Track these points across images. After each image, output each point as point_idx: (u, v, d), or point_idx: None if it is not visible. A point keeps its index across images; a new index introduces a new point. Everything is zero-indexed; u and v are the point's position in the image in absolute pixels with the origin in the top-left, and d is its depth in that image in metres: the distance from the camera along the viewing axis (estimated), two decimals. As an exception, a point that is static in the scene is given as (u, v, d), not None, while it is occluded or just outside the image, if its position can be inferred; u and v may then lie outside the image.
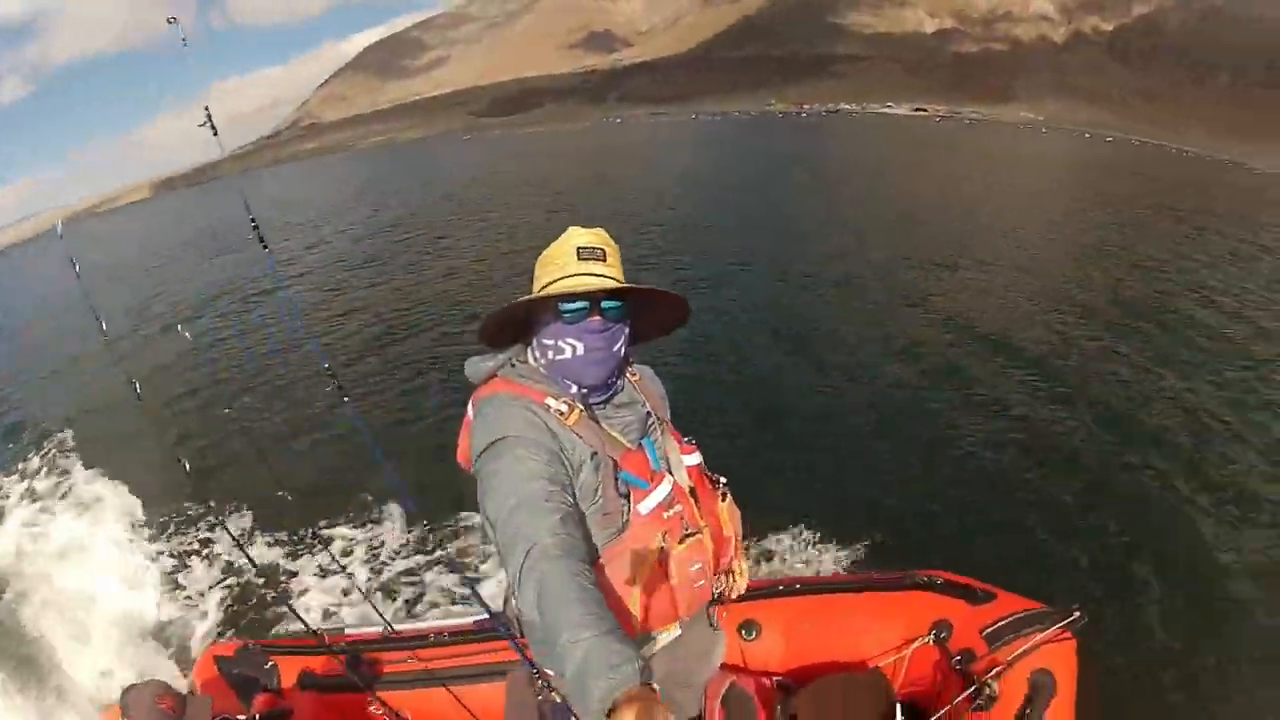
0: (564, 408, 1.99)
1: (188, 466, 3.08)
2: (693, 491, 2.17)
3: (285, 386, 11.78)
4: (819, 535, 6.30)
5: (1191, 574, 6.25)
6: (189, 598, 6.46)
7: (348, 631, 4.09)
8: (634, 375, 2.30)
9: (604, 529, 1.97)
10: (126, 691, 2.78)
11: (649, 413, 2.21)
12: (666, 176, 38.18)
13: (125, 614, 6.34)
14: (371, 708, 3.50)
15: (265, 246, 2.83)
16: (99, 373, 12.69)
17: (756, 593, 3.43)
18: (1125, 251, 18.31)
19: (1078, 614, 2.89)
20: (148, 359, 14.19)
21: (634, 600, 1.96)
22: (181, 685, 3.69)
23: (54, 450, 10.30)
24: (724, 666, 2.83)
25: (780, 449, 8.18)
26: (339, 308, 16.33)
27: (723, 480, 2.32)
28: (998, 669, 2.88)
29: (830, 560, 6.03)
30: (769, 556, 6.13)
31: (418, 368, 11.51)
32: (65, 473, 9.55)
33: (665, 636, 2.16)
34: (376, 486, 7.51)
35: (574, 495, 1.90)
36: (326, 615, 6.01)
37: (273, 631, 5.02)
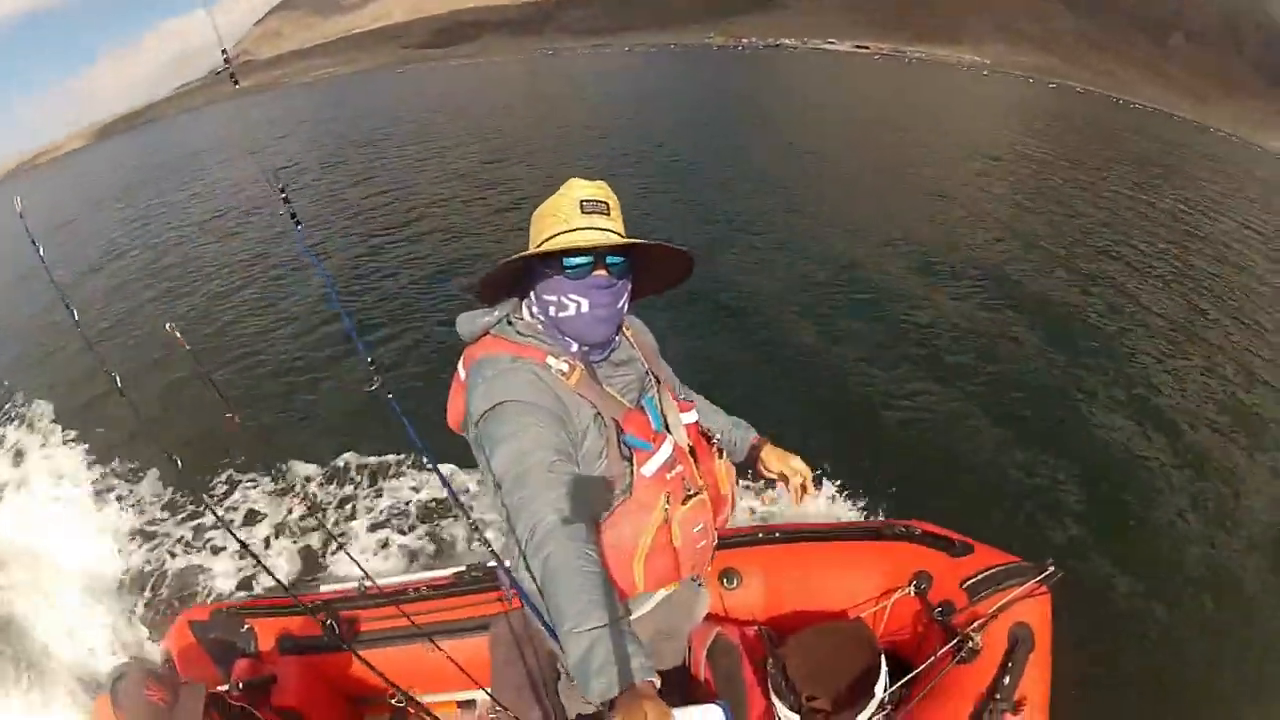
0: (565, 367, 1.93)
1: (138, 413, 2.77)
2: (691, 451, 2.14)
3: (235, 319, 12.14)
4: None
5: (1164, 530, 6.42)
6: (157, 560, 6.30)
7: (323, 590, 4.06)
8: (627, 329, 2.23)
9: (608, 491, 1.94)
10: (115, 680, 2.60)
11: (647, 370, 2.17)
12: (602, 112, 37.86)
13: (92, 576, 6.24)
14: (354, 666, 3.44)
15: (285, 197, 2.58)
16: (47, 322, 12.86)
17: (736, 539, 3.59)
18: (1076, 199, 18.59)
19: (1052, 569, 2.92)
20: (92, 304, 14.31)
21: (638, 563, 1.95)
22: (153, 651, 3.65)
23: (20, 416, 10.07)
24: (708, 617, 2.97)
25: (753, 396, 8.09)
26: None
27: (717, 437, 2.32)
28: (979, 622, 2.90)
29: (810, 506, 5.86)
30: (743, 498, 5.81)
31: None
32: (32, 438, 9.36)
33: (661, 594, 2.18)
34: (338, 432, 7.53)
35: (578, 461, 1.85)
36: (302, 574, 5.93)
37: (246, 594, 4.88)
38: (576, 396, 1.92)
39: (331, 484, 7.08)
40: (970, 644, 2.85)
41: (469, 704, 3.73)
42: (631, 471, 1.97)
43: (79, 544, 6.73)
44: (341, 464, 7.20)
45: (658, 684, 1.31)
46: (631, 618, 2.03)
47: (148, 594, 6.03)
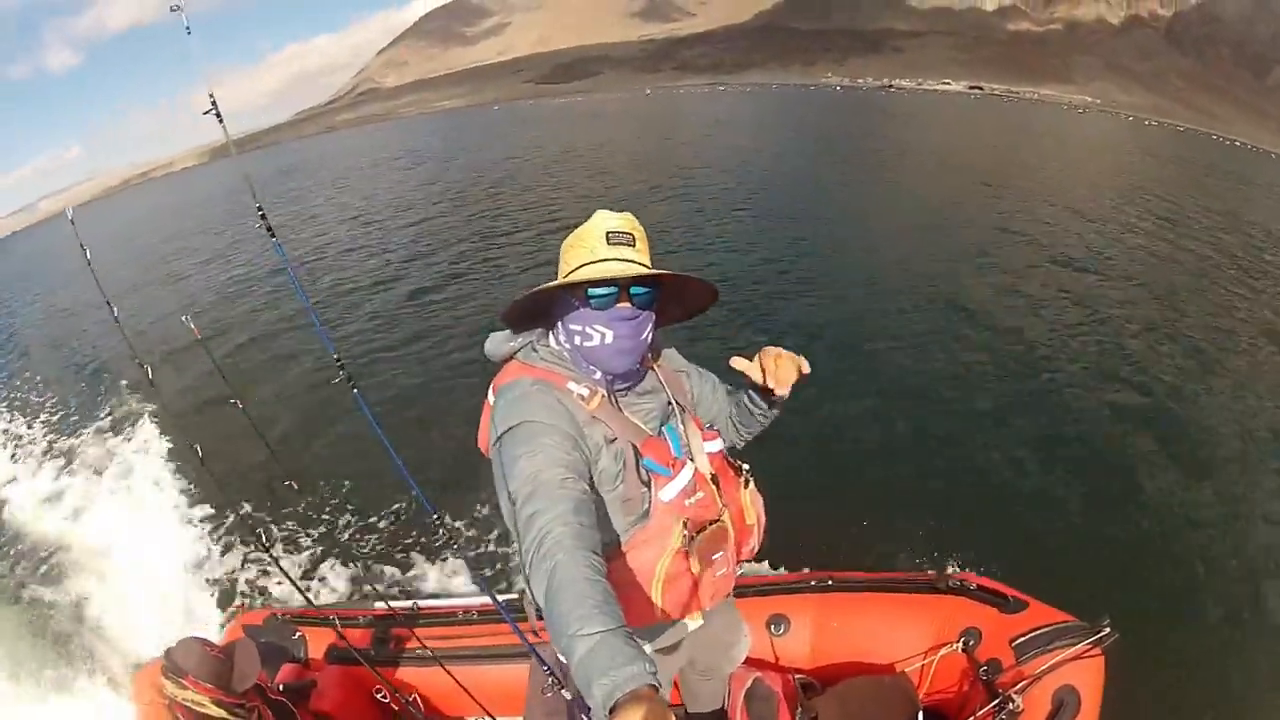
0: (585, 392, 1.94)
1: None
2: (714, 479, 2.08)
3: (295, 371, 11.81)
4: (852, 526, 6.19)
5: (1230, 596, 5.97)
6: (221, 566, 6.54)
7: (376, 606, 4.12)
8: (656, 361, 2.23)
9: (626, 516, 1.92)
10: (170, 652, 2.70)
11: (670, 400, 2.14)
12: (712, 150, 36.91)
13: (154, 577, 6.47)
14: (395, 682, 3.54)
15: (272, 235, 2.78)
16: (112, 343, 12.84)
17: (787, 586, 3.55)
18: (1183, 249, 17.16)
19: (1107, 629, 2.75)
20: (156, 341, 13.76)
21: (656, 589, 1.91)
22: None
23: (104, 410, 10.70)
24: (750, 661, 2.92)
25: (816, 439, 7.87)
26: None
27: (745, 467, 2.21)
28: (1023, 683, 2.79)
29: (860, 551, 5.81)
30: (795, 542, 5.57)
31: (434, 353, 11.33)
32: (108, 439, 9.77)
33: (690, 624, 2.13)
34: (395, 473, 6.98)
35: (592, 482, 1.84)
36: (354, 590, 6.10)
37: (302, 604, 4.69)
38: (594, 421, 1.93)
39: (396, 509, 7.13)
40: (1011, 705, 2.76)
41: None
42: (650, 496, 1.96)
43: (149, 544, 6.97)
44: (413, 496, 7.33)
45: (659, 687, 1.27)
46: (660, 648, 2.14)
47: (211, 595, 6.23)
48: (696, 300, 2.12)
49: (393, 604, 4.02)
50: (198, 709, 2.59)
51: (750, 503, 2.17)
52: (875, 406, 8.61)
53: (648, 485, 1.94)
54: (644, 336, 1.96)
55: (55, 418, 11.35)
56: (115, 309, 3.13)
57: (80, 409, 11.40)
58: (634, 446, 1.96)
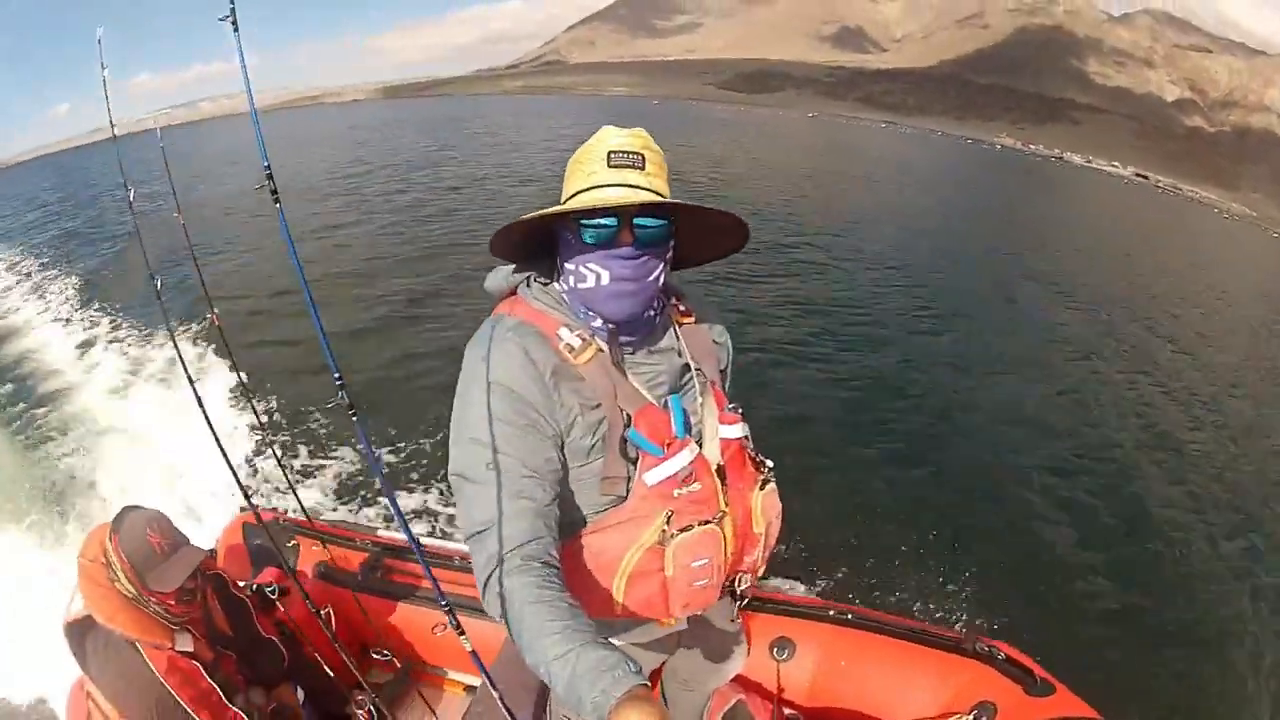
0: (577, 343, 1.67)
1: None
2: (721, 470, 1.78)
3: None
4: (885, 564, 6.09)
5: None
6: (250, 466, 6.70)
7: (380, 533, 4.10)
8: (686, 318, 1.90)
9: (601, 495, 1.68)
10: (124, 511, 2.59)
11: (687, 364, 1.81)
12: (878, 191, 36.88)
13: (179, 466, 6.61)
14: (376, 613, 3.48)
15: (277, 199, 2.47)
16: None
17: (801, 609, 3.30)
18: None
19: None
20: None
21: (619, 584, 1.69)
22: (206, 541, 3.54)
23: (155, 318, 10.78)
24: (742, 679, 2.83)
25: (871, 469, 7.90)
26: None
27: (769, 464, 1.92)
28: None
29: (885, 590, 5.77)
30: (819, 566, 5.86)
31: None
32: (151, 340, 10.56)
33: (659, 630, 1.91)
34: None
35: (560, 461, 1.64)
36: (367, 514, 6.29)
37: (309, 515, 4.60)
38: (576, 379, 1.65)
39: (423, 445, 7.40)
40: None
41: (474, 690, 3.55)
42: (631, 477, 1.69)
43: (177, 435, 7.01)
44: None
45: (650, 686, 1.21)
46: (634, 643, 1.92)
47: (221, 494, 6.20)
48: (723, 238, 1.83)
49: (398, 535, 3.95)
50: (113, 580, 2.49)
51: (762, 508, 1.88)
52: (946, 459, 8.48)
53: (633, 463, 1.68)
54: (651, 278, 1.66)
55: (116, 311, 12.20)
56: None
57: (142, 311, 11.88)
58: (626, 416, 1.68)
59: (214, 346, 9.26)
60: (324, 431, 7.65)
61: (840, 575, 5.83)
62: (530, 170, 29.55)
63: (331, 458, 7.15)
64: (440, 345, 10.21)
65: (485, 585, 1.49)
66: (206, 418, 2.97)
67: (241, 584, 3.16)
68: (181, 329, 9.91)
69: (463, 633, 1.50)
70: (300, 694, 3.11)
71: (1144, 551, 7.33)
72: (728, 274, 14.39)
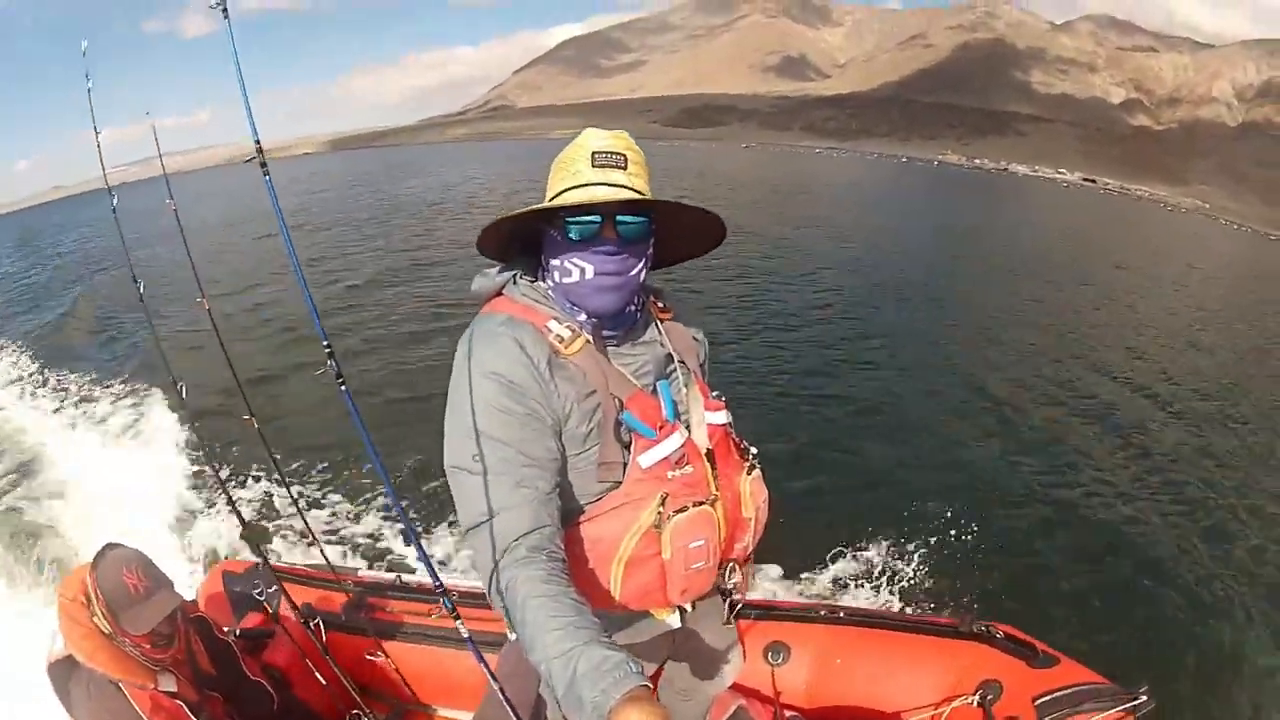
0: (566, 334, 1.68)
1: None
2: (710, 455, 1.83)
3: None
4: (877, 560, 6.12)
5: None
6: (219, 517, 6.55)
7: (361, 574, 4.12)
8: (665, 314, 1.96)
9: (597, 481, 1.68)
10: (105, 549, 2.59)
11: (670, 355, 1.87)
12: (811, 214, 35.78)
13: (152, 516, 6.59)
14: (363, 653, 3.46)
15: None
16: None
17: (792, 612, 3.31)
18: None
19: (1144, 697, 2.49)
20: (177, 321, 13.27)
21: (616, 570, 1.68)
22: (188, 593, 3.49)
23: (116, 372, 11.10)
24: (739, 687, 2.84)
25: (862, 471, 7.98)
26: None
27: (753, 451, 1.97)
28: None
29: (880, 586, 5.74)
30: (804, 572, 5.86)
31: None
32: (124, 396, 10.21)
33: (657, 624, 1.85)
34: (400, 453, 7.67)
35: (559, 450, 1.62)
36: (347, 554, 6.22)
37: (289, 562, 4.68)
38: (569, 369, 1.65)
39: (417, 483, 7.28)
40: None
41: None
42: (625, 462, 1.67)
43: (144, 486, 7.10)
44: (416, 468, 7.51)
45: (651, 688, 1.19)
46: (630, 643, 1.81)
47: (197, 545, 6.29)
48: (703, 235, 1.88)
49: (382, 574, 4.01)
50: (92, 616, 2.48)
51: (750, 492, 1.88)
52: (929, 454, 8.62)
53: (628, 448, 1.67)
54: (633, 273, 1.69)
55: (77, 368, 11.78)
56: (141, 286, 3.16)
57: (100, 363, 11.98)
58: (618, 401, 1.69)
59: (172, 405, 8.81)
60: (310, 482, 7.61)
61: (828, 575, 5.84)
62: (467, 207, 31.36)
63: (324, 507, 7.13)
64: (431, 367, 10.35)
65: (489, 577, 1.51)
66: (219, 477, 3.53)
67: (226, 629, 3.16)
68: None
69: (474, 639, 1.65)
70: None
71: (1132, 528, 7.50)
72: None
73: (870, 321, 14.92)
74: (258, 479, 7.43)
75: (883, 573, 5.87)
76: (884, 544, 6.24)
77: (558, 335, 1.65)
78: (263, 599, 3.47)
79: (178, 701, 2.57)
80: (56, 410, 10.18)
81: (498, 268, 1.81)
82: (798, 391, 10.43)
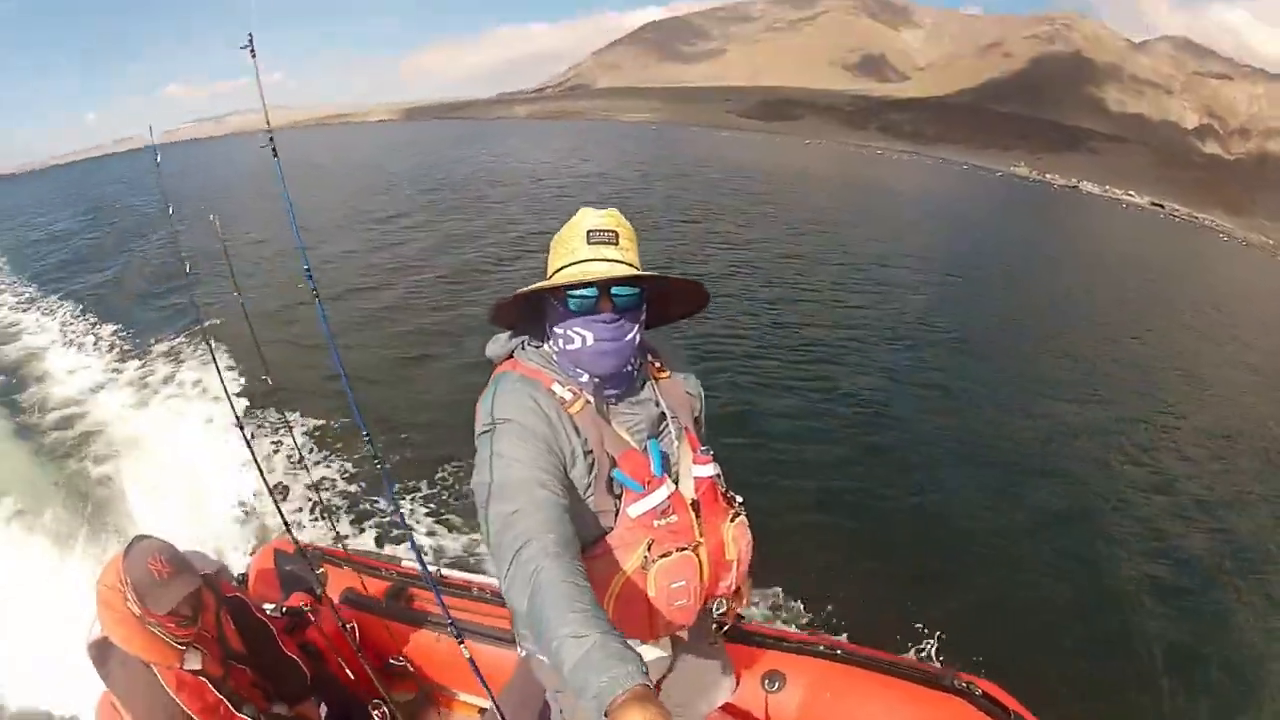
0: (568, 395, 1.98)
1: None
2: (696, 505, 2.08)
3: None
4: (874, 597, 6.47)
5: None
6: (279, 497, 6.35)
7: (404, 563, 4.35)
8: (662, 373, 2.25)
9: (591, 528, 1.95)
10: (135, 540, 2.85)
11: (663, 413, 2.16)
12: (894, 224, 35.78)
13: (211, 492, 6.78)
14: (397, 638, 3.67)
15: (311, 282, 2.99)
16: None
17: (792, 644, 3.48)
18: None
19: None
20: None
21: (608, 602, 1.92)
22: (238, 565, 3.94)
23: (177, 340, 11.54)
24: (732, 709, 3.04)
25: (875, 508, 8.21)
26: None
27: (739, 500, 2.21)
28: None
29: (872, 624, 5.90)
30: (809, 597, 6.16)
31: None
32: (178, 359, 10.72)
33: (649, 651, 2.12)
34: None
35: (567, 484, 1.88)
36: (385, 543, 6.51)
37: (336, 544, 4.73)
38: (572, 425, 1.94)
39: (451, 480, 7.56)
40: None
41: (485, 712, 3.57)
42: (618, 510, 1.97)
43: (210, 463, 7.24)
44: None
45: (652, 686, 1.27)
46: None
47: (253, 521, 6.55)
48: (689, 301, 2.19)
49: (414, 564, 4.09)
50: (127, 601, 2.70)
51: (733, 538, 2.12)
52: (945, 493, 8.77)
53: (618, 499, 1.97)
54: (628, 338, 1.98)
55: (131, 321, 12.72)
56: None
57: (152, 320, 12.61)
58: (611, 458, 1.97)
59: (250, 375, 9.08)
60: (353, 468, 7.98)
61: (828, 609, 6.12)
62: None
63: (366, 496, 7.43)
64: (456, 385, 10.56)
65: (513, 559, 1.61)
66: (255, 459, 3.56)
67: (270, 607, 3.46)
68: (218, 350, 9.31)
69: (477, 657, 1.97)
70: (323, 710, 3.33)
71: (1132, 594, 7.46)
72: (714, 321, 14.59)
73: (919, 341, 15.01)
74: (319, 463, 7.89)
75: (874, 609, 6.24)
76: (883, 582, 6.67)
77: (560, 396, 1.96)
78: (307, 579, 3.76)
79: (201, 678, 2.86)
80: (118, 373, 10.90)
81: (508, 334, 2.15)
82: (839, 413, 10.83)
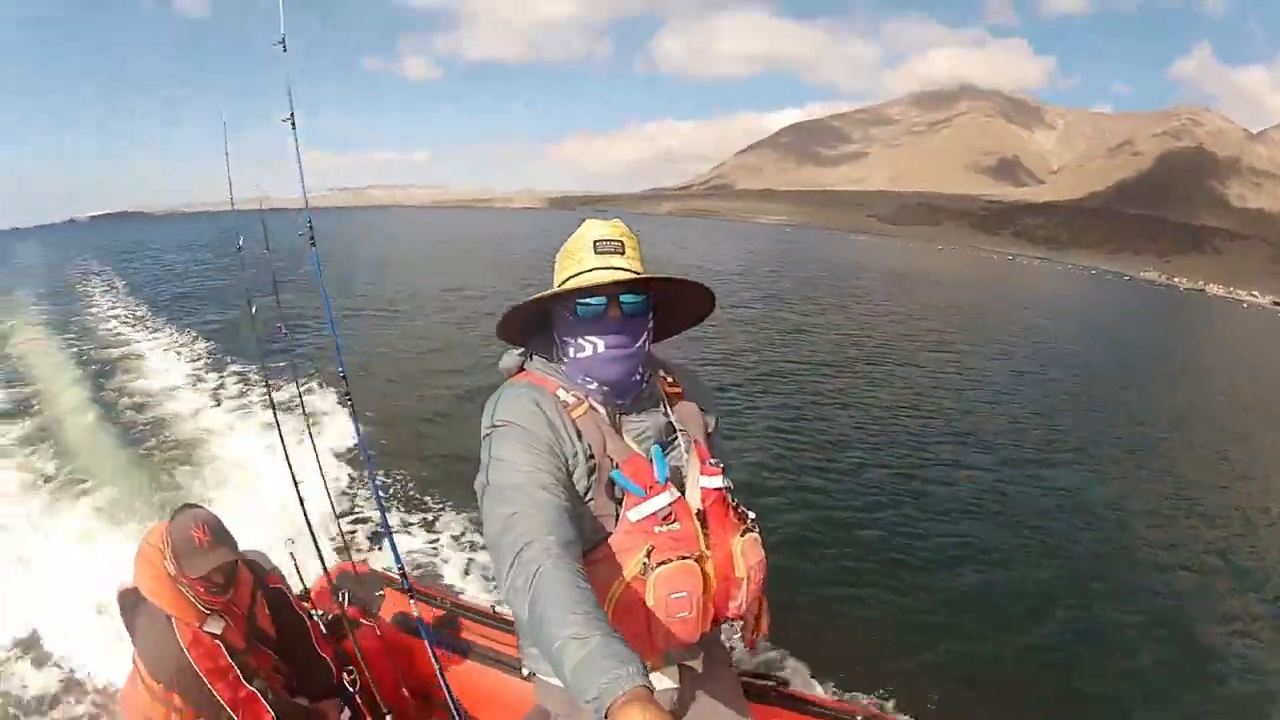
0: (572, 400, 1.94)
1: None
2: (701, 515, 1.98)
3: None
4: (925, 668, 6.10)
5: None
6: (358, 525, 6.93)
7: (463, 597, 4.51)
8: (674, 389, 2.18)
9: (592, 531, 1.87)
10: (183, 507, 2.94)
11: (670, 422, 2.10)
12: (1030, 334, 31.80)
13: (292, 506, 5.42)
14: (443, 666, 3.36)
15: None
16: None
17: (834, 712, 3.27)
18: None
19: None
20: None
21: (607, 609, 1.80)
22: (307, 580, 3.79)
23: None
24: None
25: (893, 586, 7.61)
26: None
27: (752, 516, 2.07)
28: None
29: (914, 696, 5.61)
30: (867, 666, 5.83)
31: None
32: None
33: (657, 681, 1.98)
34: None
35: (569, 487, 1.83)
36: (464, 579, 6.50)
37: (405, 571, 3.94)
38: (575, 431, 1.90)
39: None
40: None
41: None
42: (618, 515, 1.89)
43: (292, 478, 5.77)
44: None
45: (652, 689, 1.23)
46: None
47: (327, 546, 5.35)
48: (697, 305, 2.12)
49: (476, 600, 4.27)
50: (164, 559, 2.79)
51: (743, 552, 2.00)
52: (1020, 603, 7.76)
53: (619, 503, 1.89)
54: (638, 345, 1.95)
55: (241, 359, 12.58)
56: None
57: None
58: (613, 462, 1.91)
59: (337, 400, 9.66)
60: (431, 499, 8.00)
61: (882, 688, 5.65)
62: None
63: (437, 529, 7.43)
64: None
65: (514, 561, 1.57)
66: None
67: (318, 612, 3.56)
68: (311, 380, 10.54)
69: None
70: (346, 714, 3.37)
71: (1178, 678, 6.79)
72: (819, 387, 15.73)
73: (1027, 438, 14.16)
74: (389, 486, 8.17)
75: (908, 679, 5.81)
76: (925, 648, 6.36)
77: (564, 401, 1.94)
78: (366, 599, 3.84)
79: (217, 642, 2.88)
80: (219, 394, 11.21)
81: (519, 350, 2.12)
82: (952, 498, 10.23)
